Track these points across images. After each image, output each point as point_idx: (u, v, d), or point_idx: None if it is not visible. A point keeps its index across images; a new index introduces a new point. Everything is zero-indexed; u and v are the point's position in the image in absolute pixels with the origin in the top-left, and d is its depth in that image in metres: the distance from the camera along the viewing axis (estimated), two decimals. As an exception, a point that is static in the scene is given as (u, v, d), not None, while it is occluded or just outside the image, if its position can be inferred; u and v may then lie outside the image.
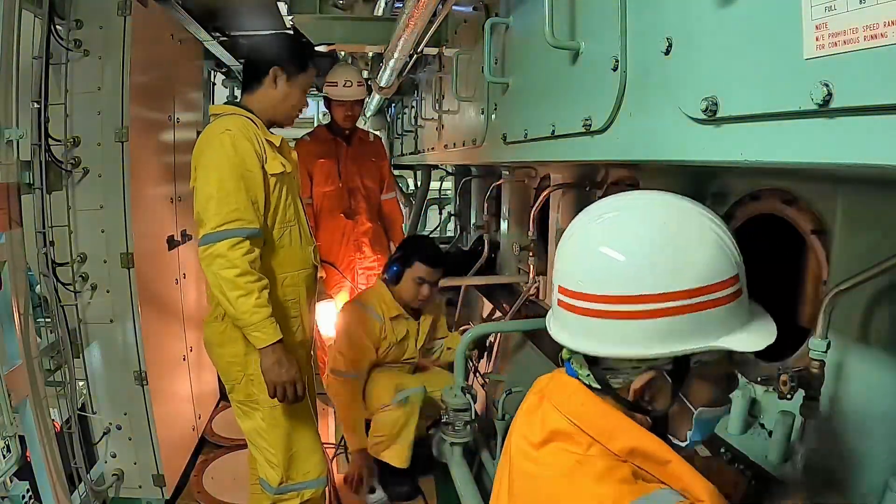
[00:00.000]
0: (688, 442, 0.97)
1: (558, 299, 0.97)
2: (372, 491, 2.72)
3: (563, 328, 0.97)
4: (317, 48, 2.36)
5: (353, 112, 3.76)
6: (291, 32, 2.70)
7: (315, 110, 10.49)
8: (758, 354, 1.21)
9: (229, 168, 1.94)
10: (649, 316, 0.87)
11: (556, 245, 1.06)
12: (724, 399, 0.98)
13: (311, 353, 2.47)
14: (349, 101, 3.69)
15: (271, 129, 2.21)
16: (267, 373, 1.97)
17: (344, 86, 3.66)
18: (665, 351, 0.88)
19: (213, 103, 5.36)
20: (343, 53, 4.22)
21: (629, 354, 0.90)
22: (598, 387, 0.97)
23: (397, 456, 2.84)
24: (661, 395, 0.94)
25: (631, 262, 0.89)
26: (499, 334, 3.33)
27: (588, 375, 0.98)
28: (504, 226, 4.13)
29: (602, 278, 0.90)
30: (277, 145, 2.13)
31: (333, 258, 3.73)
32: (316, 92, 6.28)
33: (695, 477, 0.90)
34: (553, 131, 1.46)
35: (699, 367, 0.93)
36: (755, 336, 0.91)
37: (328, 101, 3.76)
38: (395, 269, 2.95)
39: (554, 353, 2.64)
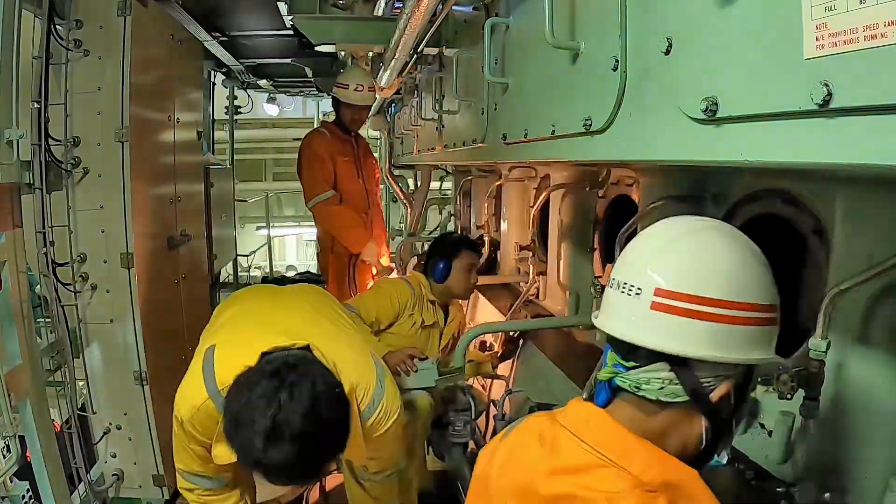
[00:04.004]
0: (718, 458, 1.00)
1: (653, 302, 0.94)
2: (423, 358, 2.62)
3: (651, 332, 0.94)
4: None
5: (360, 116, 3.79)
6: None
7: (315, 111, 10.53)
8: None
9: None
10: (748, 322, 0.91)
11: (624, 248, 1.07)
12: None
13: None
14: (359, 106, 3.70)
15: None
16: None
17: (355, 90, 3.65)
18: (760, 356, 0.93)
19: (213, 103, 5.37)
20: (343, 53, 4.22)
21: (732, 357, 0.92)
22: (680, 399, 0.94)
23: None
24: (732, 406, 0.97)
25: (735, 271, 0.93)
26: (500, 334, 3.33)
27: (661, 389, 0.94)
28: (504, 226, 4.14)
29: (711, 283, 0.92)
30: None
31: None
32: (317, 92, 6.31)
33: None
34: (553, 131, 1.45)
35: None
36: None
37: (336, 101, 3.75)
38: (441, 265, 2.86)
39: (555, 354, 2.65)
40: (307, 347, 1.56)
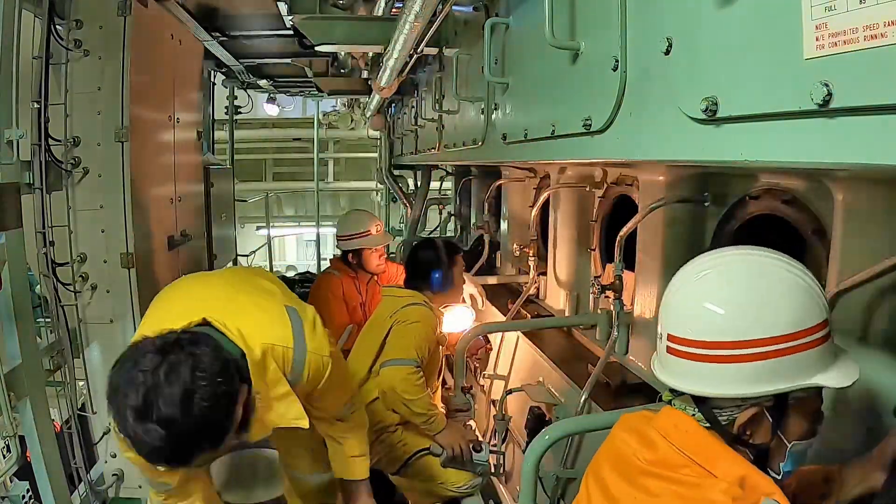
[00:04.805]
0: (780, 474, 1.04)
1: (667, 346, 1.06)
2: (478, 450, 2.56)
3: (671, 373, 1.07)
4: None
5: (382, 258, 3.70)
6: None
7: (315, 111, 10.50)
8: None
9: None
10: (752, 359, 0.96)
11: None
12: (814, 431, 1.06)
13: None
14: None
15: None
16: None
17: (376, 231, 3.61)
18: (768, 389, 0.97)
19: (213, 103, 5.37)
20: (343, 54, 4.22)
21: (735, 394, 0.99)
22: (707, 424, 1.05)
23: None
24: (762, 429, 1.03)
25: (729, 313, 0.99)
26: (500, 334, 3.33)
27: (694, 414, 1.06)
28: (504, 226, 4.14)
29: (707, 328, 1.00)
30: None
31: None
32: (317, 92, 6.31)
33: None
34: (553, 131, 1.45)
35: (795, 403, 1.01)
36: (843, 372, 1.00)
37: (357, 252, 3.65)
38: (442, 276, 2.73)
39: (555, 354, 2.65)
40: (205, 322, 1.45)
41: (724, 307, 0.99)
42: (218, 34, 4.00)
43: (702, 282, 1.04)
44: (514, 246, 3.69)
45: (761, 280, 1.00)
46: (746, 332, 0.96)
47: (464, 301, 3.56)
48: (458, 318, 3.14)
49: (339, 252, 3.89)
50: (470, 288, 3.27)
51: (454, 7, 2.32)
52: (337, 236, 3.73)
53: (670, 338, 1.05)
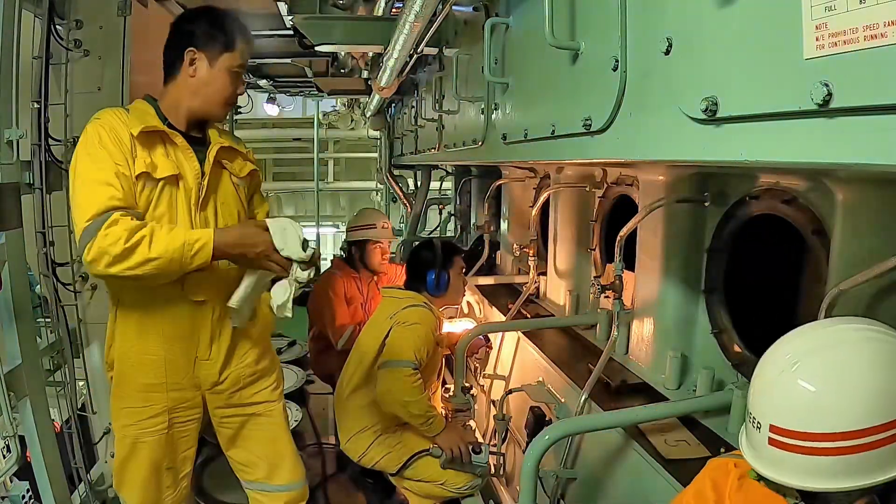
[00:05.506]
0: None
1: (771, 438, 0.96)
2: (478, 451, 2.56)
3: (777, 468, 0.97)
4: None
5: (387, 255, 3.72)
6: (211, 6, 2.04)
7: (315, 111, 10.48)
8: (756, 352, 1.23)
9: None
10: (878, 445, 0.88)
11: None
12: None
13: None
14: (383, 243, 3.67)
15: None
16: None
17: (383, 227, 3.64)
18: (890, 475, 0.90)
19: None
20: (343, 54, 4.22)
21: (856, 486, 0.91)
22: None
23: None
24: None
25: (859, 400, 0.90)
26: (500, 334, 3.33)
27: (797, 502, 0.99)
28: (504, 226, 4.14)
29: (831, 419, 0.91)
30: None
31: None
32: (317, 92, 6.30)
33: None
34: (553, 131, 1.46)
35: None
36: None
37: (361, 247, 3.69)
38: (439, 277, 2.73)
39: (554, 353, 2.65)
40: None
41: (847, 393, 0.91)
42: (218, 34, 3.98)
43: (818, 366, 0.95)
44: (514, 246, 3.69)
45: (879, 360, 0.92)
46: (876, 418, 0.88)
47: (468, 307, 3.57)
48: (460, 327, 3.15)
49: (339, 252, 3.91)
50: (469, 296, 3.27)
51: (454, 7, 2.32)
52: (346, 230, 3.81)
53: (774, 429, 0.95)
